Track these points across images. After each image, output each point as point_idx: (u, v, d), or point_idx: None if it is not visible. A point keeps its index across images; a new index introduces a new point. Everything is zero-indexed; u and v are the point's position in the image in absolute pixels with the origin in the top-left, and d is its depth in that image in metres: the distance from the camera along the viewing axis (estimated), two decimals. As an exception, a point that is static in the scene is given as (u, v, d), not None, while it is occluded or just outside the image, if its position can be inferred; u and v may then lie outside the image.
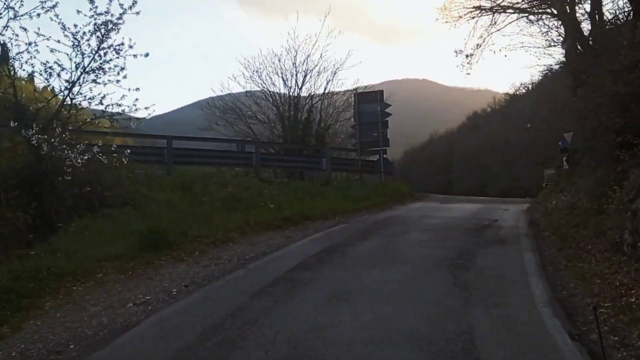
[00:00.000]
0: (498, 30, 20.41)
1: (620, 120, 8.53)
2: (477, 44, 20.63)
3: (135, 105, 11.66)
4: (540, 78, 62.71)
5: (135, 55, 11.22)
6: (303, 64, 27.83)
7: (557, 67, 21.76)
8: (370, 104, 19.44)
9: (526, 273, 7.69)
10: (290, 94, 28.51)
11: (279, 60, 27.43)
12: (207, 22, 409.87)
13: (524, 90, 68.86)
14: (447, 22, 20.57)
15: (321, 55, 28.58)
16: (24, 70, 11.19)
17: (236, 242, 10.67)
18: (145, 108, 12.35)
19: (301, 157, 21.52)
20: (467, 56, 20.67)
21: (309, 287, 7.13)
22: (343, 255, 9.16)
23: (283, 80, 28.12)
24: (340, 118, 28.20)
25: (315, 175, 19.93)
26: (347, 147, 22.90)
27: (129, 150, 11.84)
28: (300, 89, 28.57)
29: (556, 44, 19.27)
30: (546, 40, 19.75)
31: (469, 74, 21.35)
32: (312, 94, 28.67)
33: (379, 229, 12.08)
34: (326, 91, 28.21)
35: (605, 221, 9.24)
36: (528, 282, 7.18)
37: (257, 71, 27.90)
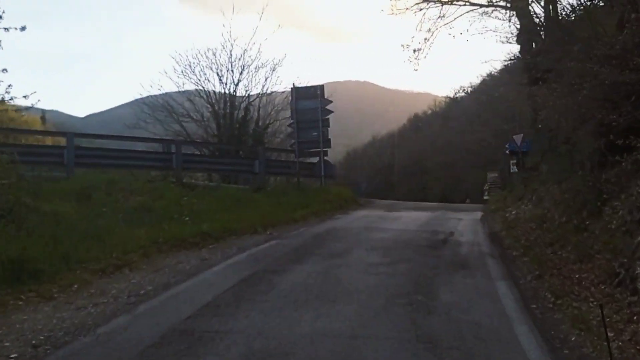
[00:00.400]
0: (447, 23, 18.89)
1: (616, 117, 6.80)
2: (425, 38, 19.08)
3: (8, 92, 9.15)
4: (481, 81, 63.06)
5: (7, 29, 8.85)
6: (240, 60, 25.79)
7: (510, 62, 20.18)
8: (309, 99, 17.35)
9: (508, 317, 5.75)
10: (226, 90, 26.50)
11: (214, 54, 25.21)
12: (147, 19, 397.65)
13: (463, 94, 68.95)
14: (392, 13, 18.95)
15: (259, 50, 26.71)
16: None
17: (135, 268, 8.22)
18: (24, 97, 9.84)
19: (230, 159, 19.15)
20: (414, 51, 19.09)
21: (214, 346, 4.91)
22: (269, 288, 6.96)
23: (218, 76, 26.01)
24: (279, 117, 26.18)
25: (252, 180, 17.67)
26: (285, 148, 20.69)
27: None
28: (237, 85, 26.54)
29: (509, 40, 17.90)
30: (498, 34, 18.36)
31: (417, 69, 19.91)
32: (250, 91, 26.82)
33: (317, 247, 9.97)
34: (264, 88, 26.32)
35: (590, 241, 7.54)
36: (515, 333, 5.24)
37: (190, 66, 25.66)
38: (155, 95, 26.74)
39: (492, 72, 52.81)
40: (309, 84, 18.85)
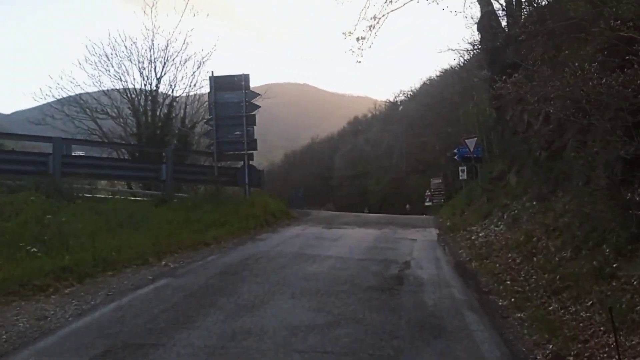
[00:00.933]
0: (395, 9, 16.30)
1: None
2: (370, 26, 16.39)
3: None
4: (421, 84, 61.71)
5: None
6: (165, 50, 22.51)
7: (472, 51, 17.88)
8: (231, 91, 14.24)
9: None
10: (148, 85, 23.14)
11: (134, 44, 21.73)
12: (82, 13, 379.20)
13: (404, 97, 67.32)
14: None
15: (185, 41, 23.47)
16: None
17: None
18: None
19: (130, 164, 15.65)
20: (358, 39, 16.36)
21: None
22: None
23: (138, 68, 22.62)
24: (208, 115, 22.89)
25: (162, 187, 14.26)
26: (204, 150, 17.37)
27: None
28: (159, 79, 23.11)
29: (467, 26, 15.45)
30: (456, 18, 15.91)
31: (360, 61, 17.23)
32: (175, 86, 23.54)
33: (222, 291, 6.86)
34: (192, 84, 23.08)
35: (625, 295, 4.93)
36: None
37: (106, 56, 22.10)
38: (80, 91, 23.27)
39: (433, 77, 51.70)
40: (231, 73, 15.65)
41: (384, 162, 63.83)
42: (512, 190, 11.12)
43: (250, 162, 14.67)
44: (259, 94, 14.94)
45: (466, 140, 19.26)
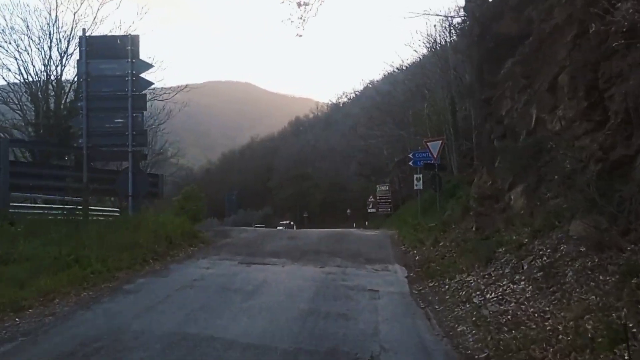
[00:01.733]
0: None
1: None
2: (315, -13, 12.30)
3: None
4: (365, 86, 58.01)
5: None
6: (73, 28, 18.47)
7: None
8: (111, 60, 9.70)
9: None
10: (49, 66, 18.91)
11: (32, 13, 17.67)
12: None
13: (346, 99, 63.17)
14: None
15: (95, 18, 19.61)
16: None
17: None
18: None
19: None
20: (299, 5, 12.17)
21: None
22: None
23: (37, 44, 18.83)
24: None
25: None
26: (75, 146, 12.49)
27: None
28: (64, 60, 18.80)
29: None
30: None
31: (301, 35, 13.56)
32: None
33: None
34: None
35: None
36: None
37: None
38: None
39: (374, 80, 48.23)
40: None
41: (325, 164, 60.04)
42: (519, 219, 7.29)
43: (141, 165, 10.12)
44: (152, 65, 10.43)
45: (429, 143, 15.51)
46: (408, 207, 23.28)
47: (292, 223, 57.64)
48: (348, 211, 62.01)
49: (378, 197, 29.08)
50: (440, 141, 15.73)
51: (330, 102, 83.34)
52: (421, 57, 24.16)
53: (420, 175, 16.84)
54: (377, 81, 43.62)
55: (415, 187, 17.05)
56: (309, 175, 66.03)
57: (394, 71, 32.03)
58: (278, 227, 55.68)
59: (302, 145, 74.25)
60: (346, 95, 51.67)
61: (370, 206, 36.93)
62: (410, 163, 17.01)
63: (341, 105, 78.86)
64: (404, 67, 27.36)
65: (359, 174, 46.34)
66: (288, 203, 69.99)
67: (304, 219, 68.24)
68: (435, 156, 15.19)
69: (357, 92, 54.17)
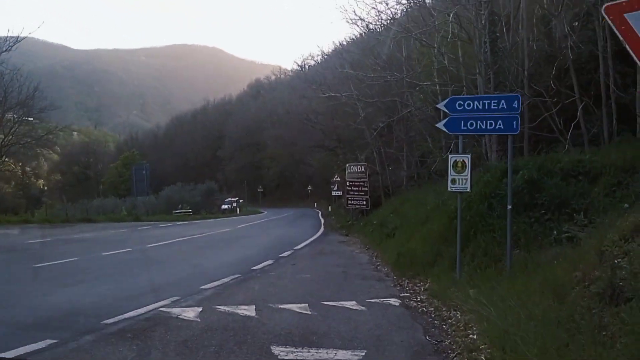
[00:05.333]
0: None
1: None
2: None
3: None
4: (333, 48, 46.16)
5: None
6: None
7: None
8: None
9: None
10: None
11: None
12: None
13: (313, 62, 50.95)
14: None
15: None
16: None
17: None
18: None
19: None
20: None
21: None
22: None
23: None
24: None
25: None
26: None
27: None
28: None
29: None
30: None
31: None
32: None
33: None
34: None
35: None
36: None
37: None
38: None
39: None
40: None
41: (283, 133, 49.25)
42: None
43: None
44: None
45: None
46: (402, 211, 13.08)
47: (240, 201, 47.03)
48: (309, 188, 51.64)
49: (348, 182, 18.80)
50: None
51: (295, 66, 71.55)
52: None
53: (465, 159, 6.55)
54: (350, 41, 32.77)
55: (450, 187, 6.77)
56: (265, 145, 55.14)
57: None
58: (222, 207, 45.04)
59: (258, 110, 62.93)
60: (312, 57, 40.94)
61: (335, 187, 26.68)
62: (443, 126, 6.66)
63: (307, 68, 67.24)
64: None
65: (321, 146, 35.26)
66: (240, 176, 59.15)
67: (257, 195, 57.79)
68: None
69: (326, 55, 42.77)
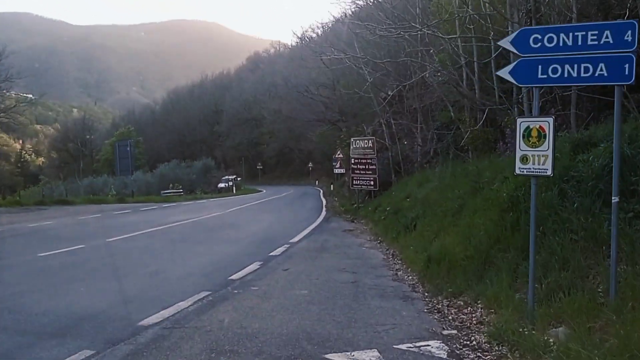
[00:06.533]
0: None
1: None
2: None
3: None
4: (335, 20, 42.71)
5: None
6: None
7: None
8: None
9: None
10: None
11: None
12: None
13: (313, 35, 47.60)
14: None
15: None
16: None
17: None
18: None
19: None
20: None
21: None
22: None
23: None
24: None
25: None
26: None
27: None
28: None
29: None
30: None
31: None
32: None
33: None
34: None
35: None
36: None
37: None
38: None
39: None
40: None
41: (283, 106, 46.50)
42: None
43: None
44: None
45: None
46: (421, 196, 10.67)
47: (238, 179, 44.66)
48: (310, 165, 49.25)
49: (353, 159, 16.29)
50: None
51: (295, 38, 68.01)
52: None
53: (544, 124, 4.15)
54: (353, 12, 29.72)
55: (520, 169, 4.35)
56: (264, 121, 52.48)
57: None
58: (219, 185, 42.68)
59: (256, 83, 60.05)
60: (313, 30, 37.64)
61: (338, 165, 24.47)
62: (508, 75, 4.24)
63: (307, 40, 64.04)
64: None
65: (321, 119, 32.59)
66: (238, 153, 56.66)
67: (257, 172, 55.41)
68: None
69: (328, 26, 39.03)
